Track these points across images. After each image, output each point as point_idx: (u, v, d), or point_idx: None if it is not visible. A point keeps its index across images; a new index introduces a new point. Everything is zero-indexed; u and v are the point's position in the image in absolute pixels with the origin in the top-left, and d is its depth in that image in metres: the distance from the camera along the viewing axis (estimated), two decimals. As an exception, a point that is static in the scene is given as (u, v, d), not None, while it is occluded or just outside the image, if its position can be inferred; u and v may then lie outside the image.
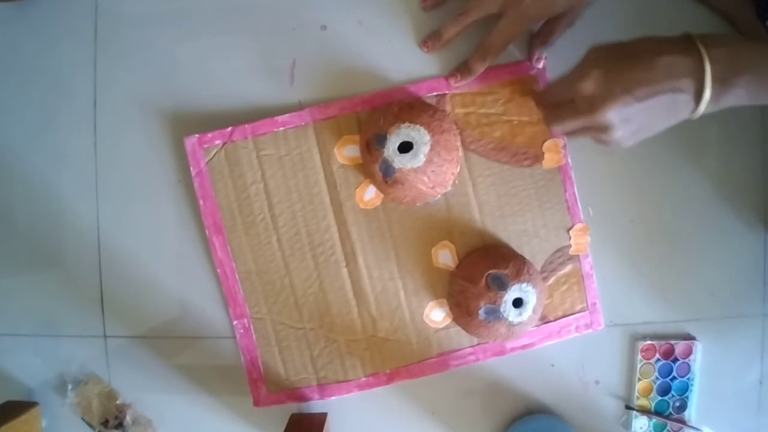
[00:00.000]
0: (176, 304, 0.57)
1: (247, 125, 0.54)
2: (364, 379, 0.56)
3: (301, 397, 0.57)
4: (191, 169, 0.54)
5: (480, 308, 0.50)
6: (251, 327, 0.56)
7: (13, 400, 0.57)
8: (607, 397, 0.58)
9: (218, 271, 0.55)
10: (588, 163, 0.55)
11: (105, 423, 0.57)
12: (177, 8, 0.55)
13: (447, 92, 0.54)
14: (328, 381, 0.57)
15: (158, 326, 0.57)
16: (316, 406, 0.58)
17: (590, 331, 0.56)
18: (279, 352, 0.56)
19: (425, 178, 0.51)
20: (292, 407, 0.57)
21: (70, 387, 0.57)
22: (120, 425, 0.57)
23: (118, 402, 0.57)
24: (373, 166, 0.51)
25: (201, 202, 0.55)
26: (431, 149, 0.50)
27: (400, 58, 0.54)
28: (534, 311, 0.51)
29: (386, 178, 0.51)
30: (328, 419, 0.56)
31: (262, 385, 0.57)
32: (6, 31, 0.56)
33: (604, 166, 0.56)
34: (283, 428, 0.54)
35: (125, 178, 0.56)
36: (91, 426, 0.57)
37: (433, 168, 0.50)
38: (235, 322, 0.56)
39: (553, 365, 0.57)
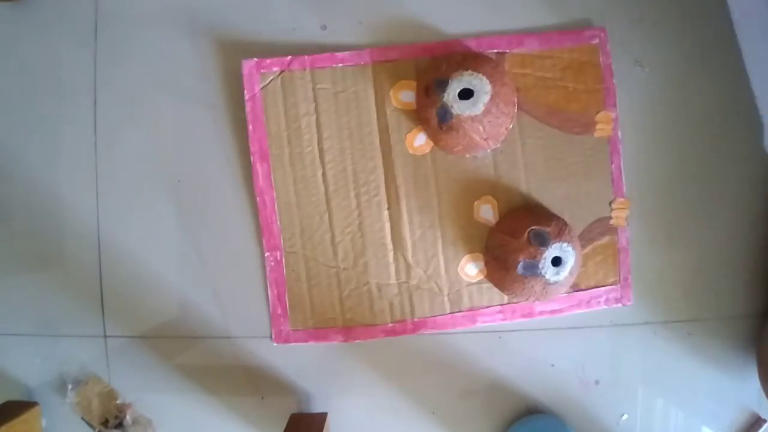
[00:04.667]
0: (176, 304, 0.57)
1: (306, 57, 0.54)
2: (390, 325, 0.56)
3: (324, 338, 0.56)
4: (245, 92, 0.54)
5: (519, 262, 0.50)
6: (283, 260, 0.56)
7: (13, 400, 0.57)
8: (607, 397, 0.58)
9: (257, 199, 0.55)
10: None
11: (105, 423, 0.57)
12: (177, 9, 0.55)
13: (507, 51, 0.54)
14: (355, 324, 0.56)
15: (158, 326, 0.57)
16: (316, 405, 0.58)
17: (619, 305, 0.56)
18: (308, 289, 0.56)
19: (480, 128, 0.51)
20: (293, 407, 0.57)
21: (70, 387, 0.57)
22: (120, 425, 0.57)
23: (118, 402, 0.57)
24: (430, 110, 0.51)
25: (250, 126, 0.55)
26: (491, 99, 0.50)
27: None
28: (571, 273, 0.51)
29: (442, 123, 0.51)
30: (328, 419, 0.56)
31: (285, 322, 0.56)
32: (6, 31, 0.56)
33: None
34: (283, 428, 0.54)
35: (125, 177, 0.57)
36: (91, 426, 0.57)
37: (490, 119, 0.51)
38: (266, 254, 0.56)
39: (553, 365, 0.57)
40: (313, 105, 0.55)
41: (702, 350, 0.57)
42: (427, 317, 0.56)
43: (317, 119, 0.55)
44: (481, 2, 0.55)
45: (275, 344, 0.56)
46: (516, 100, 0.54)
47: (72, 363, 0.58)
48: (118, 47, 0.56)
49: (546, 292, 0.51)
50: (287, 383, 0.58)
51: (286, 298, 0.56)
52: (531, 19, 0.55)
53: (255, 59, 0.54)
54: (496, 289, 0.55)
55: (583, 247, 0.55)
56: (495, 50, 0.54)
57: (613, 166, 0.55)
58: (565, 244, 0.50)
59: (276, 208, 0.55)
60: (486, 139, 0.52)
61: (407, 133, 0.55)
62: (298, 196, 0.55)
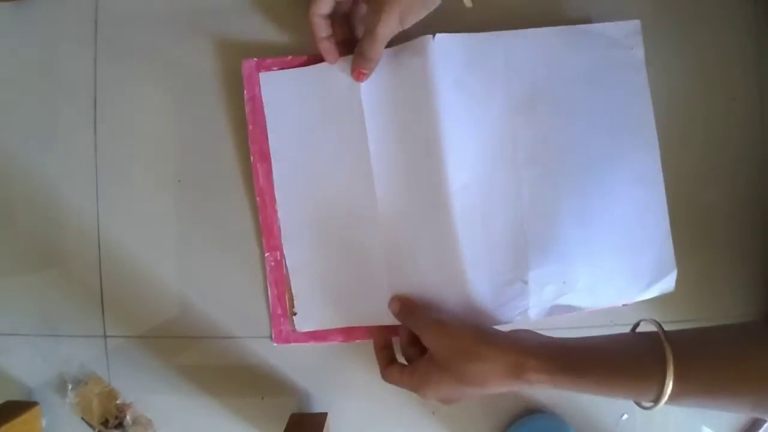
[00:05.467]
0: (176, 304, 0.57)
1: (306, 57, 0.54)
2: (391, 325, 0.55)
3: (324, 338, 0.56)
4: (245, 92, 0.54)
5: None
6: (283, 260, 0.55)
7: (13, 400, 0.57)
8: (607, 396, 0.58)
9: (257, 199, 0.55)
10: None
11: (105, 423, 0.57)
12: (177, 9, 0.55)
13: None
14: (356, 324, 0.56)
15: (158, 326, 0.57)
16: (316, 405, 0.58)
17: (619, 305, 0.56)
18: None
19: None
20: (293, 407, 0.57)
21: (70, 387, 0.57)
22: (120, 425, 0.57)
23: (118, 402, 0.57)
24: None
25: (250, 126, 0.54)
26: None
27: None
28: None
29: None
30: (328, 419, 0.56)
31: (285, 322, 0.56)
32: (6, 31, 0.56)
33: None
34: (283, 428, 0.54)
35: (125, 177, 0.57)
36: (91, 426, 0.57)
37: None
38: (266, 254, 0.55)
39: (553, 365, 0.57)
40: None
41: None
42: None
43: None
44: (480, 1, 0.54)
45: (275, 344, 0.56)
46: None
47: (72, 363, 0.58)
48: (118, 47, 0.56)
49: None
50: (287, 383, 0.58)
51: (286, 298, 0.56)
52: (531, 19, 0.54)
53: (255, 59, 0.54)
54: None
55: None
56: None
57: None
58: None
59: (276, 208, 0.55)
60: None
61: None
62: None
